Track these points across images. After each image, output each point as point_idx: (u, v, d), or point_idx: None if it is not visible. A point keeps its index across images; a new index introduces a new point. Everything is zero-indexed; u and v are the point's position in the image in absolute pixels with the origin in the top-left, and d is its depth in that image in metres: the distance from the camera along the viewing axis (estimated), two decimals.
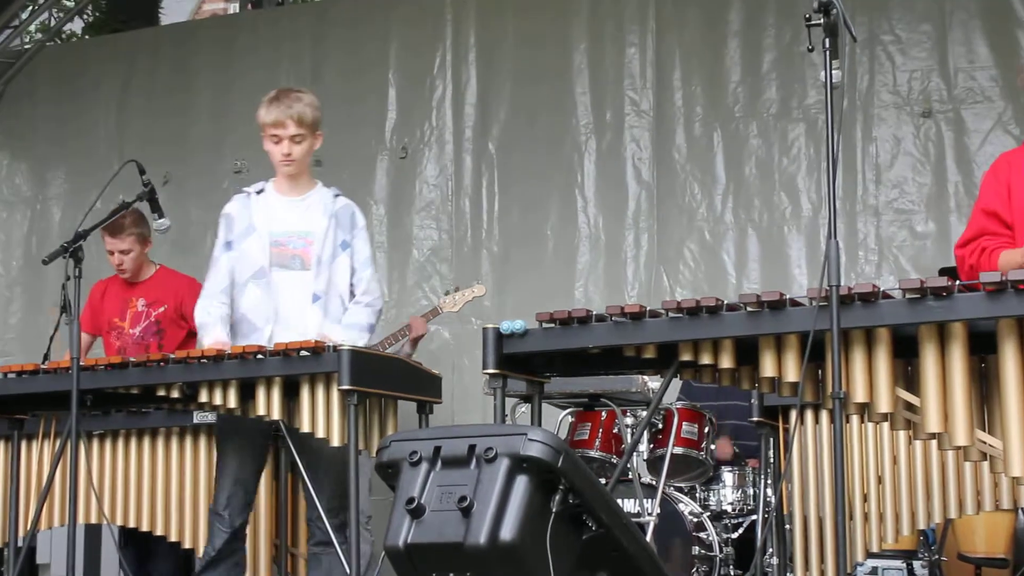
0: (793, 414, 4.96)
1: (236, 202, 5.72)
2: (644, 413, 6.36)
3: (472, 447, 3.88)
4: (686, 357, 4.34)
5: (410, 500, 3.86)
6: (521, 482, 3.80)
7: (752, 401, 5.19)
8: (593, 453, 6.46)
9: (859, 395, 4.09)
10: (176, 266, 7.47)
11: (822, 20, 4.16)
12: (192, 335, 6.78)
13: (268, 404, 5.14)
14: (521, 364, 4.61)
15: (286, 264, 5.53)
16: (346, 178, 8.42)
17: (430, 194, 9.11)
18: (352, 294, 5.60)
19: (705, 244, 8.56)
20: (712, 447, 6.60)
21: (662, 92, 8.75)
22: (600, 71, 8.87)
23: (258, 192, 5.69)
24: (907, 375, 4.19)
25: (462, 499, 3.78)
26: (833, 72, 4.18)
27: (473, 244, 8.94)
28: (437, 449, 3.94)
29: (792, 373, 4.19)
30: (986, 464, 4.22)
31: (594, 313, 4.43)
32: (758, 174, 8.53)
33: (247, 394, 5.19)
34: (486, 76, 9.10)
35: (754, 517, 6.44)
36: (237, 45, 9.85)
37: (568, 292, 8.55)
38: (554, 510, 3.81)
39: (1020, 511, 5.77)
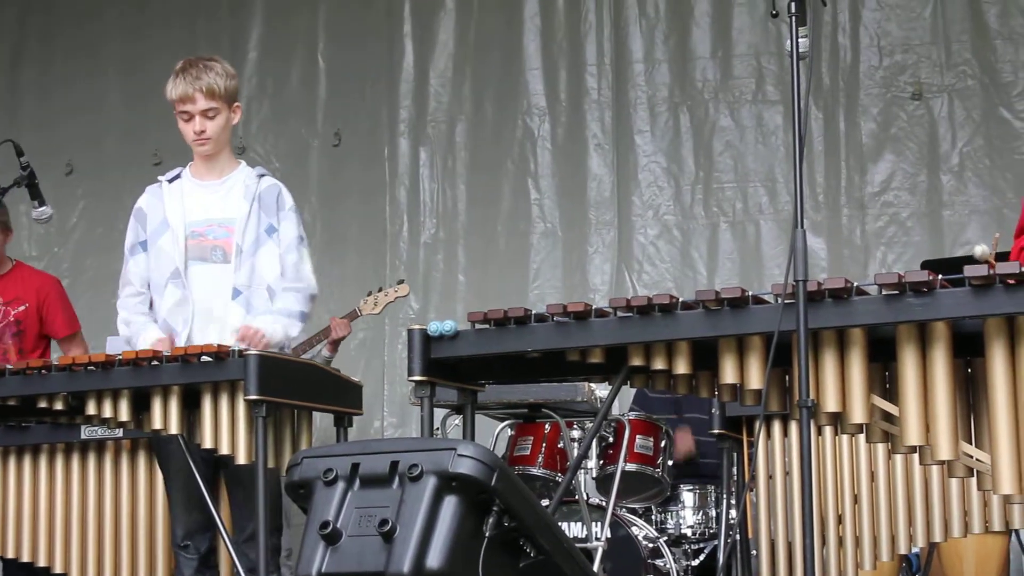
0: (758, 425, 4.91)
1: (148, 195, 5.64)
2: (592, 425, 6.30)
3: (394, 464, 3.84)
4: (637, 362, 4.28)
5: (324, 524, 3.81)
6: (450, 503, 3.76)
7: (713, 411, 5.15)
8: (536, 470, 6.40)
9: (830, 404, 4.04)
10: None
11: None
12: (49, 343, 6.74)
13: (165, 417, 5.05)
14: (452, 370, 4.54)
15: (205, 257, 5.44)
16: (277, 167, 8.36)
17: (364, 184, 9.03)
18: None
19: (673, 240, 8.54)
20: (670, 463, 6.54)
21: (622, 71, 8.70)
22: (553, 47, 8.82)
23: (171, 180, 5.60)
24: (884, 381, 4.13)
25: (383, 523, 3.73)
26: (800, 40, 4.14)
27: (411, 240, 8.87)
28: (355, 466, 3.89)
29: (755, 379, 4.14)
30: (973, 481, 4.17)
31: (533, 312, 4.36)
32: (731, 162, 8.50)
33: (141, 405, 5.11)
34: (424, 52, 9.03)
35: (716, 542, 6.40)
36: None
37: (521, 294, 8.50)
38: (487, 534, 3.77)
39: (1013, 534, 5.76)
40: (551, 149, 8.78)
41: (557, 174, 8.75)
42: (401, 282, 7.82)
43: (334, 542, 3.79)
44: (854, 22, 8.40)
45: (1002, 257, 4.55)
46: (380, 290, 7.71)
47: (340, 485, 3.88)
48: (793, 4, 4.14)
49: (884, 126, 8.34)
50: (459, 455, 3.77)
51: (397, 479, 3.80)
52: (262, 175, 5.61)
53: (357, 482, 3.87)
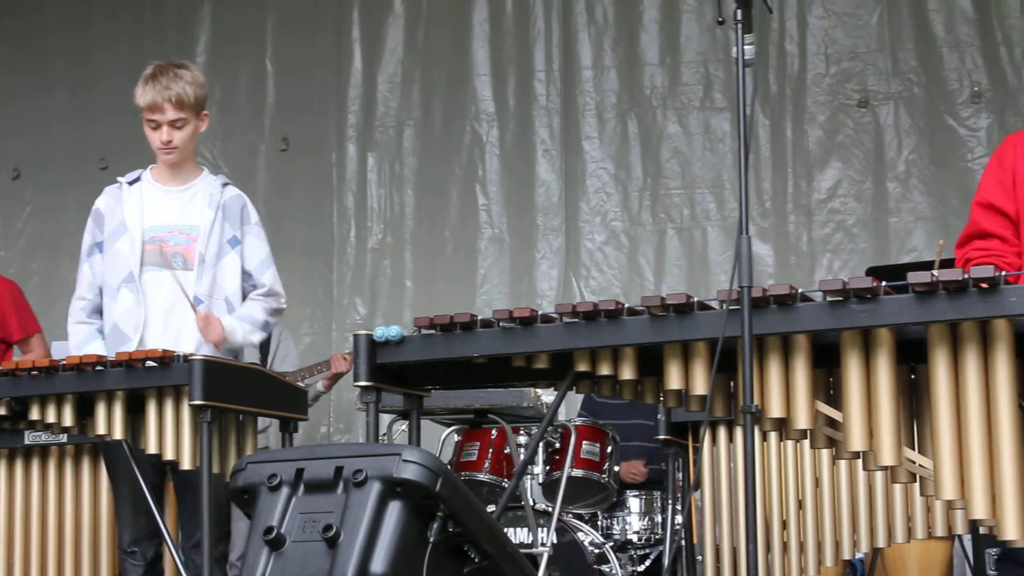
0: (703, 431, 4.91)
1: (107, 196, 5.58)
2: (537, 431, 6.30)
3: (339, 469, 3.81)
4: (583, 367, 4.27)
5: (268, 530, 3.79)
6: (394, 509, 3.74)
7: (659, 417, 5.15)
8: (482, 476, 6.40)
9: (775, 409, 4.04)
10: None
11: None
12: (10, 346, 6.67)
13: (109, 422, 5.00)
14: (398, 376, 4.52)
15: (164, 263, 5.40)
16: (225, 172, 8.29)
17: (312, 189, 9.00)
18: (244, 298, 5.50)
19: (620, 246, 8.56)
20: (616, 468, 6.55)
21: (570, 77, 8.71)
22: (501, 53, 8.83)
23: (131, 182, 5.55)
24: (829, 387, 4.14)
25: (327, 528, 3.71)
26: (746, 47, 4.15)
27: (358, 245, 8.86)
28: (299, 472, 3.86)
29: (700, 385, 4.13)
30: (917, 486, 4.19)
31: (479, 318, 4.35)
32: (679, 169, 8.53)
33: (85, 410, 5.07)
34: (373, 58, 9.02)
35: (662, 547, 6.40)
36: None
37: (469, 299, 8.50)
38: (431, 540, 3.75)
39: (956, 539, 5.78)
40: (499, 155, 8.79)
41: (505, 180, 8.76)
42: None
43: (278, 548, 3.77)
44: (801, 30, 8.46)
45: (947, 264, 4.57)
46: None
47: (284, 491, 3.85)
48: (739, 11, 4.12)
49: (831, 133, 8.40)
50: (404, 460, 3.75)
51: (342, 484, 3.78)
52: (226, 184, 5.58)
53: (301, 488, 3.84)
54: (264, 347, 7.31)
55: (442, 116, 8.92)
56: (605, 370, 4.25)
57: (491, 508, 5.84)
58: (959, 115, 8.26)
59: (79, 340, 5.44)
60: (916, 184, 8.25)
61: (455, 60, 8.92)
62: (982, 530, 4.23)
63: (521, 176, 8.73)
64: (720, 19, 4.17)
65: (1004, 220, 4.64)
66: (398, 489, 3.73)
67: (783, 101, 8.44)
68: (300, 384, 6.80)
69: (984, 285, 3.81)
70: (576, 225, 8.61)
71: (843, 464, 4.81)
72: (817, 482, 4.90)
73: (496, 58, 8.86)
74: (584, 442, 6.41)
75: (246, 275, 5.53)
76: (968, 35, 8.30)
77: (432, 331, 4.42)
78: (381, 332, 4.43)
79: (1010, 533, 3.80)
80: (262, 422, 5.93)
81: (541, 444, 6.28)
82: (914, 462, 4.00)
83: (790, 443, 4.92)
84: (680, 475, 5.27)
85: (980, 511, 3.82)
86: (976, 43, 8.27)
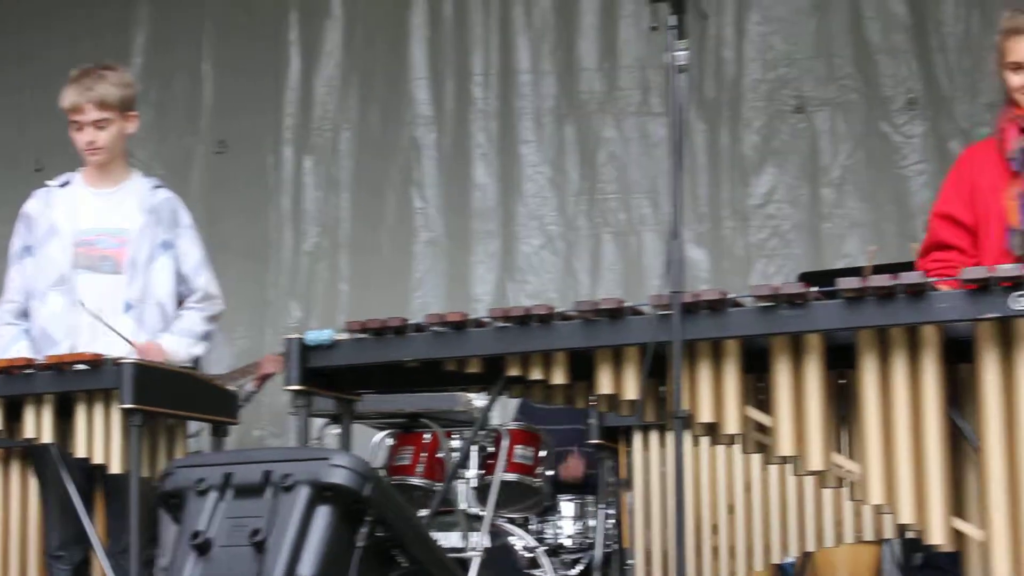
0: (635, 436, 4.93)
1: (36, 199, 5.56)
2: (470, 434, 6.31)
3: (267, 474, 3.80)
4: (514, 372, 4.27)
5: (195, 534, 3.77)
6: (323, 513, 3.74)
7: (591, 422, 5.16)
8: (416, 480, 6.38)
9: (705, 414, 4.05)
10: None
11: None
12: None
13: (38, 426, 4.98)
14: (329, 380, 4.51)
15: (94, 266, 5.37)
16: (160, 174, 8.24)
17: (248, 191, 8.97)
18: (180, 302, 5.47)
19: (557, 250, 8.56)
20: (550, 473, 6.55)
21: (509, 81, 8.71)
22: (439, 57, 8.82)
23: (62, 185, 5.53)
24: (759, 392, 4.16)
25: (255, 533, 3.69)
26: (680, 53, 4.16)
27: (294, 248, 8.83)
28: (228, 476, 3.85)
29: (631, 390, 4.14)
30: (846, 491, 4.21)
31: (411, 322, 4.35)
32: (615, 174, 8.54)
33: (13, 414, 5.03)
34: (310, 60, 8.99)
35: (594, 552, 6.40)
36: None
37: (404, 303, 8.48)
38: (360, 544, 3.74)
39: (885, 543, 5.81)
40: (436, 158, 8.78)
41: (442, 183, 8.75)
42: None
43: (205, 552, 3.75)
44: (738, 36, 8.48)
45: (881, 270, 4.58)
46: None
47: (212, 495, 3.84)
48: (673, 18, 4.14)
49: (767, 139, 8.42)
50: (332, 465, 3.75)
51: (270, 489, 3.77)
52: (157, 187, 5.57)
53: (229, 492, 3.83)
54: None
55: (379, 119, 8.89)
56: (536, 375, 4.25)
57: (424, 512, 5.83)
58: (894, 122, 8.31)
59: (5, 342, 5.40)
60: (851, 190, 8.29)
61: (393, 63, 8.90)
62: (909, 535, 4.25)
63: (458, 180, 8.72)
64: (654, 25, 4.18)
65: (962, 231, 4.68)
66: (327, 494, 3.73)
67: (720, 106, 8.46)
68: (232, 386, 6.77)
69: (913, 291, 3.84)
70: (512, 229, 8.60)
71: (773, 468, 4.83)
72: (748, 486, 4.92)
73: (434, 61, 8.85)
74: (517, 446, 6.41)
75: (181, 278, 5.51)
76: (904, 42, 8.35)
77: (364, 335, 4.41)
78: (313, 336, 4.43)
79: (936, 538, 3.83)
80: (195, 426, 5.91)
81: (474, 448, 6.27)
82: (843, 467, 4.02)
83: (721, 447, 4.92)
84: (612, 479, 5.28)
85: (907, 516, 3.85)
86: (912, 50, 8.32)
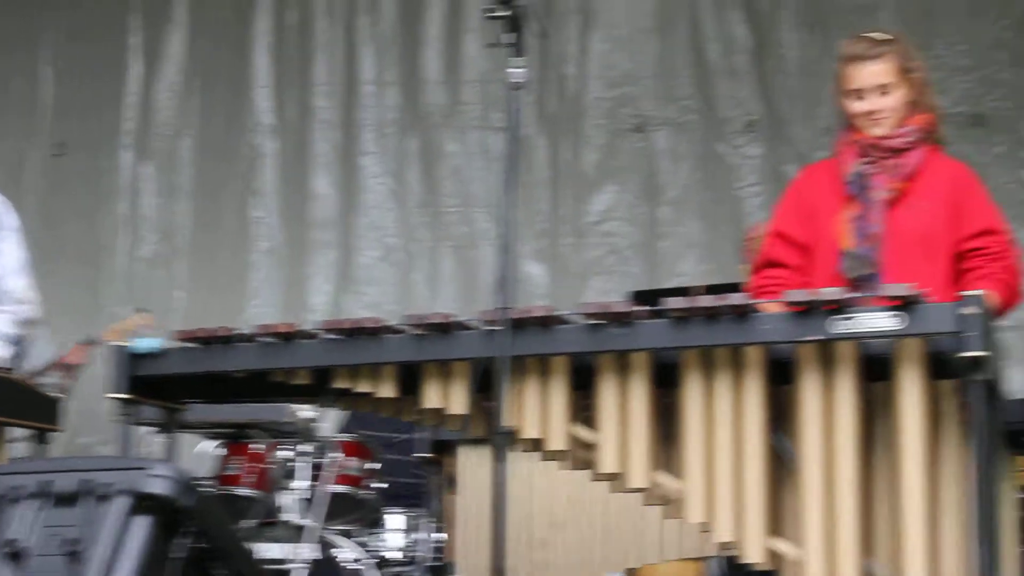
0: (464, 450, 4.93)
1: None
2: (303, 446, 6.26)
3: (85, 482, 3.74)
4: (342, 384, 4.26)
5: (8, 543, 3.70)
6: (140, 523, 3.70)
7: (419, 435, 5.15)
8: (243, 491, 6.32)
9: (530, 430, 4.07)
10: None
11: (506, 12, 4.14)
12: None
13: None
14: (156, 388, 4.46)
15: None
16: None
17: (86, 196, 8.84)
18: None
19: (395, 262, 8.54)
20: (379, 485, 6.52)
21: (352, 92, 8.69)
22: (283, 66, 8.76)
23: None
24: (586, 408, 4.17)
25: (70, 542, 3.63)
26: (517, 71, 4.17)
27: (131, 255, 8.71)
28: (44, 484, 3.78)
29: (459, 405, 4.14)
30: (668, 508, 4.23)
31: (240, 332, 4.31)
32: (457, 187, 8.55)
33: None
34: (152, 65, 8.89)
35: (419, 565, 6.39)
36: None
37: (240, 312, 8.40)
38: (177, 556, 3.70)
39: (706, 560, 5.86)
40: (277, 167, 8.71)
41: (282, 192, 8.69)
42: (142, 311, 7.59)
43: (19, 561, 3.68)
44: (581, 53, 8.53)
45: (713, 290, 4.62)
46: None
47: (29, 503, 3.77)
48: (510, 35, 4.15)
49: (607, 157, 8.47)
50: (152, 475, 3.71)
51: (87, 498, 3.72)
52: None
53: (46, 500, 3.77)
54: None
55: (220, 126, 8.81)
56: (364, 387, 4.25)
57: (250, 523, 5.79)
58: (732, 143, 8.40)
59: None
60: (688, 210, 8.37)
61: (235, 70, 8.82)
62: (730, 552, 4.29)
63: (298, 189, 8.66)
64: (492, 42, 4.19)
65: (796, 250, 4.71)
66: (145, 503, 3.68)
67: (561, 123, 8.49)
68: (41, 381, 6.66)
69: (738, 312, 3.88)
70: (351, 240, 8.57)
71: (599, 484, 4.84)
72: (574, 502, 4.94)
73: (277, 70, 8.79)
74: (346, 458, 6.37)
75: None
76: (744, 64, 8.44)
77: (192, 344, 4.37)
78: (140, 344, 4.37)
79: (752, 556, 3.88)
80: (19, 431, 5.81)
81: (303, 459, 6.22)
82: (665, 485, 4.05)
83: (549, 463, 4.93)
84: (439, 493, 5.27)
85: (725, 534, 3.89)
86: (751, 72, 8.42)
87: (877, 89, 4.59)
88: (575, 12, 8.54)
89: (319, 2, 8.79)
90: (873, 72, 4.59)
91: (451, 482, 5.19)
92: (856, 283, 4.42)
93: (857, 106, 4.62)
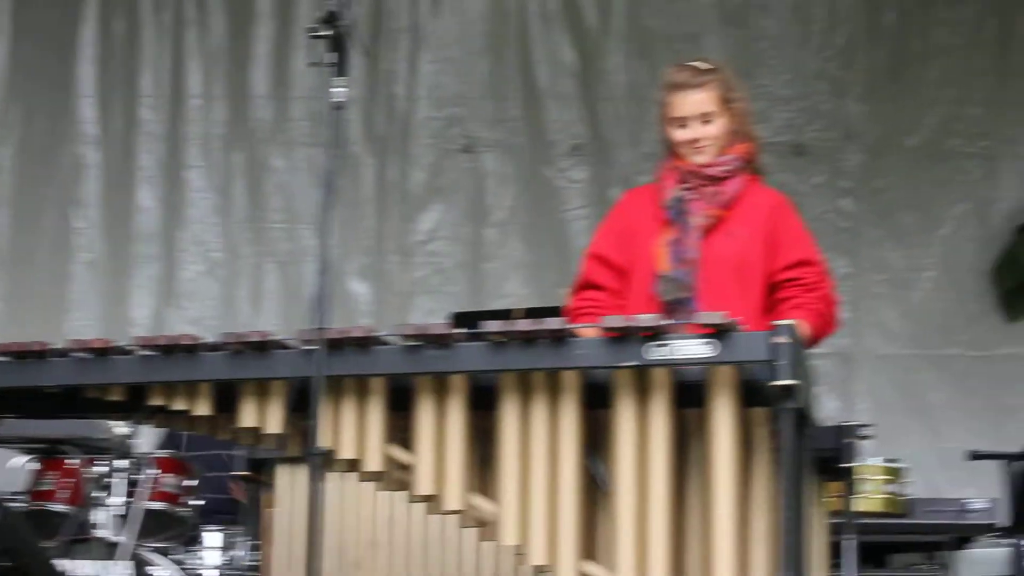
0: (282, 468, 4.89)
1: None
2: (118, 462, 6.18)
3: None
4: (158, 401, 4.21)
5: None
6: None
7: (237, 453, 5.11)
8: (57, 507, 6.22)
9: (347, 451, 4.06)
10: None
11: (329, 32, 4.14)
12: None
13: None
14: None
15: None
16: None
17: None
18: None
19: (219, 277, 8.47)
20: (197, 502, 6.46)
21: (178, 105, 8.60)
22: (108, 75, 8.65)
23: None
24: (404, 430, 4.17)
25: None
26: (339, 91, 4.17)
27: None
28: None
29: (275, 424, 4.12)
30: (484, 531, 4.24)
31: (54, 347, 4.24)
32: (282, 203, 8.51)
33: None
34: None
35: None
36: None
37: (58, 325, 8.26)
38: None
39: None
40: (100, 179, 8.59)
41: (104, 204, 8.57)
42: None
43: None
44: (411, 73, 8.55)
45: (535, 313, 4.64)
46: None
47: None
48: (332, 55, 4.14)
49: (434, 176, 8.51)
50: None
51: None
52: None
53: None
54: None
55: (43, 135, 8.66)
56: (180, 405, 4.20)
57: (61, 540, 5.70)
58: (559, 166, 8.47)
59: None
60: (513, 232, 8.42)
61: (59, 79, 8.68)
62: None
63: (121, 202, 8.55)
64: (314, 61, 4.18)
65: (614, 273, 4.75)
66: None
67: (389, 141, 8.50)
68: None
69: (555, 337, 3.91)
70: (174, 254, 8.48)
71: (417, 506, 4.84)
72: (390, 523, 4.91)
73: (102, 80, 8.66)
74: (163, 474, 6.31)
75: None
76: (571, 88, 8.52)
77: (5, 358, 4.28)
78: None
79: None
80: None
81: (118, 475, 6.14)
82: (480, 507, 4.06)
83: (368, 483, 4.92)
84: (257, 511, 5.23)
85: (539, 557, 3.91)
86: (578, 96, 8.50)
87: (699, 118, 4.65)
88: (405, 32, 8.56)
89: (146, 13, 8.68)
90: (696, 101, 4.65)
91: (268, 500, 5.14)
92: (671, 306, 4.47)
93: (679, 134, 4.68)
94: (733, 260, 4.56)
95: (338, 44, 4.15)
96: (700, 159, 4.66)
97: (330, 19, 4.12)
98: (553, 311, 4.54)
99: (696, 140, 4.65)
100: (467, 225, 8.45)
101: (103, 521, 6.13)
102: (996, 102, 8.32)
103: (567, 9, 8.51)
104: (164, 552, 6.47)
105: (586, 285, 4.81)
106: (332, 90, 4.10)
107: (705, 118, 4.65)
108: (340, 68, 4.17)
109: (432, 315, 8.07)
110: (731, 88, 4.71)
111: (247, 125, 8.59)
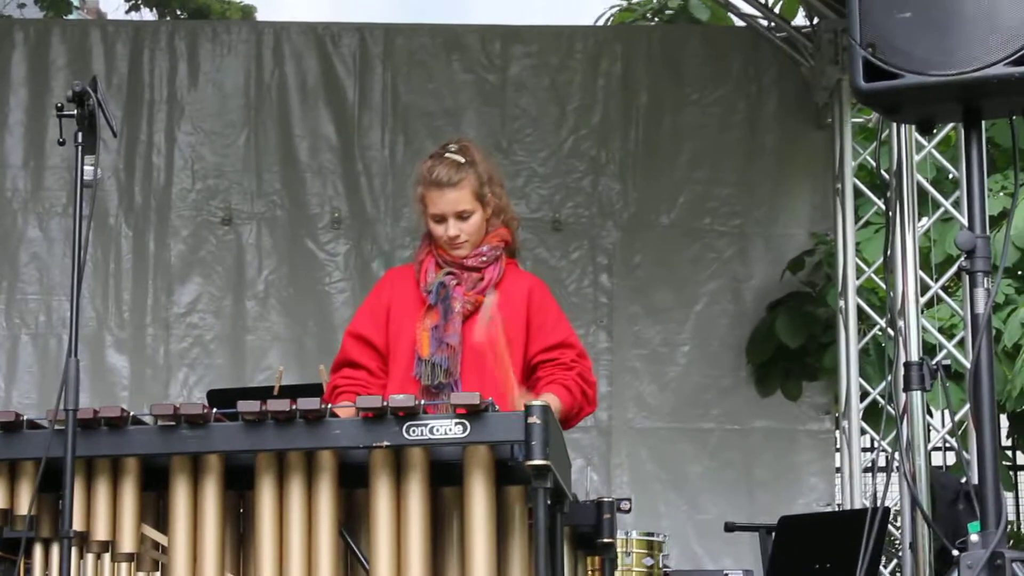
0: (35, 548, 4.78)
1: None
2: None
3: None
4: None
5: None
6: None
7: None
8: None
9: (100, 532, 3.99)
10: None
11: (76, 111, 4.10)
12: None
13: None
14: None
15: None
16: None
17: None
18: None
19: None
20: None
21: None
22: None
23: None
24: (160, 510, 4.11)
25: None
26: (87, 168, 4.13)
27: None
28: None
29: (25, 504, 4.03)
30: None
31: None
32: (37, 274, 8.36)
33: None
34: None
35: None
36: None
37: None
38: None
39: None
40: None
41: None
42: None
43: None
44: (169, 144, 8.50)
45: (297, 390, 4.62)
46: None
47: None
48: (80, 134, 4.11)
49: (194, 248, 8.44)
50: None
51: None
52: None
53: None
54: None
55: None
56: None
57: None
58: (319, 239, 8.48)
59: None
60: (274, 304, 8.39)
61: None
62: None
63: None
64: (61, 140, 4.13)
65: (373, 352, 4.75)
66: None
67: (148, 213, 8.42)
68: None
69: (311, 417, 3.89)
70: None
71: None
72: None
73: None
74: None
75: None
76: (331, 162, 8.55)
77: None
78: None
79: None
80: None
81: None
82: None
83: (124, 564, 4.84)
84: None
85: None
86: (338, 170, 8.52)
87: (456, 215, 4.67)
88: (163, 103, 8.49)
89: None
90: (452, 200, 4.66)
91: None
92: (431, 390, 4.50)
93: (438, 229, 4.69)
94: (494, 344, 4.59)
95: (86, 124, 4.09)
96: (459, 253, 4.69)
97: (78, 98, 4.07)
98: (313, 389, 4.54)
99: (455, 237, 4.68)
100: (227, 297, 8.40)
101: None
102: (746, 182, 8.54)
103: (326, 84, 8.54)
104: None
105: (346, 363, 4.81)
106: (82, 167, 4.04)
107: (461, 215, 4.67)
108: (88, 146, 4.12)
109: (193, 388, 8.01)
110: (487, 180, 4.72)
111: (2, 195, 8.41)
